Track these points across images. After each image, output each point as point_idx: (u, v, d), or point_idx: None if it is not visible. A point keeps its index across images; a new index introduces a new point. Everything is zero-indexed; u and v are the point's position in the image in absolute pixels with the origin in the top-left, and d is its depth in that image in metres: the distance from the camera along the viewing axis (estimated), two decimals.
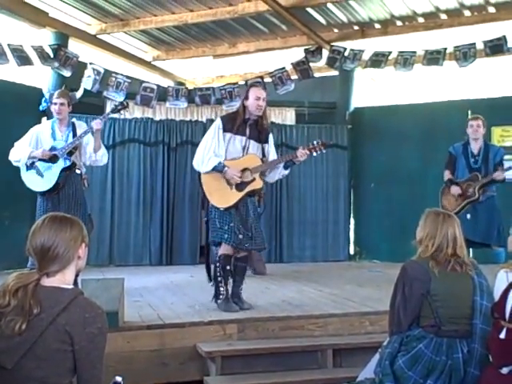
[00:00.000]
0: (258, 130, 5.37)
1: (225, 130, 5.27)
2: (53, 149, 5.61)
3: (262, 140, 5.40)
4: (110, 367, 3.46)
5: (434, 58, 8.44)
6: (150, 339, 4.48)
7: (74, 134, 5.73)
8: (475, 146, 6.68)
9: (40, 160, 5.57)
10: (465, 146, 6.77)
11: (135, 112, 9.24)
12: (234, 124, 5.28)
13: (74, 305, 2.26)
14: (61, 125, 5.78)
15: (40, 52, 7.93)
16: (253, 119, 5.31)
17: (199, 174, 5.35)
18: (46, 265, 2.32)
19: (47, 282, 2.32)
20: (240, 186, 5.21)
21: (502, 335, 2.93)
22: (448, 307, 3.25)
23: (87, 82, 8.27)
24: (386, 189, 9.57)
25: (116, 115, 9.02)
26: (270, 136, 5.54)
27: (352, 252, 9.97)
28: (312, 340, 4.73)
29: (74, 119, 6.02)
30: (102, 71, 8.36)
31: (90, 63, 8.42)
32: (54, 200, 5.57)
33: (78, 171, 5.72)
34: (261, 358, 4.48)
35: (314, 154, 5.38)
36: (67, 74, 8.20)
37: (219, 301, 5.20)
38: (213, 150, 5.21)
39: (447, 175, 6.84)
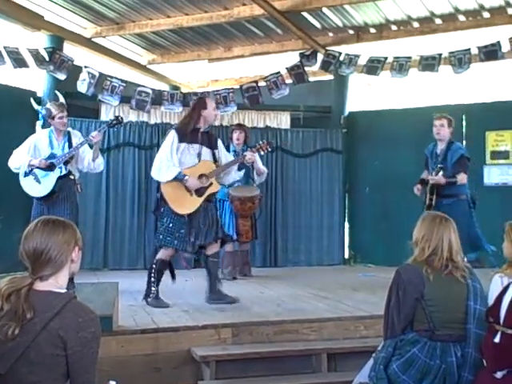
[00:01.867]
0: (209, 137, 5.78)
1: (180, 141, 5.56)
2: (52, 155, 5.93)
3: (213, 146, 5.77)
4: (103, 371, 3.44)
5: (429, 64, 8.45)
6: (144, 343, 4.47)
7: (70, 143, 6.05)
8: (440, 147, 6.60)
9: (38, 168, 5.86)
10: (435, 146, 6.70)
11: (130, 115, 9.22)
12: (187, 133, 5.60)
13: (67, 309, 2.25)
14: (58, 134, 6.08)
15: (35, 55, 7.92)
16: (206, 128, 5.75)
17: (158, 183, 5.65)
18: (38, 269, 2.31)
19: (40, 286, 2.31)
20: (199, 191, 5.54)
21: (497, 339, 2.93)
22: (442, 311, 3.24)
23: (82, 86, 8.27)
24: (381, 193, 9.57)
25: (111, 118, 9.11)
26: (219, 141, 5.94)
27: (347, 256, 9.96)
28: (306, 344, 4.72)
29: (69, 128, 6.33)
30: (97, 75, 8.35)
31: (85, 66, 8.41)
32: (48, 204, 5.89)
33: (71, 177, 6.02)
34: (255, 363, 4.47)
35: (262, 153, 6.02)
36: (62, 77, 8.19)
37: (149, 299, 5.49)
38: (171, 160, 5.49)
39: (423, 175, 6.74)
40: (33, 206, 6.03)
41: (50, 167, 5.84)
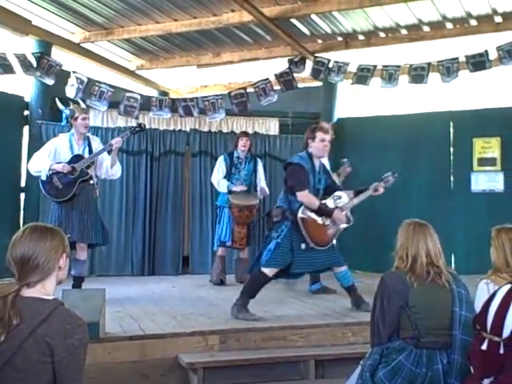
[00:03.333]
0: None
1: None
2: (76, 156, 6.05)
3: None
4: (90, 379, 3.43)
5: (419, 74, 8.45)
6: (131, 350, 4.45)
7: (90, 147, 6.21)
8: (317, 163, 5.68)
9: (59, 173, 5.96)
10: (311, 159, 5.62)
11: (118, 121, 9.21)
12: None
13: (54, 316, 2.24)
14: (78, 138, 6.21)
15: (22, 60, 7.86)
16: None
17: None
18: (25, 275, 2.29)
19: (27, 292, 2.29)
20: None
21: (484, 347, 2.93)
22: (427, 319, 3.24)
23: (70, 91, 8.23)
24: (369, 199, 9.51)
25: (99, 124, 9.10)
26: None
27: None
28: (294, 351, 4.72)
29: (88, 133, 6.46)
30: (86, 80, 8.31)
31: (74, 72, 8.37)
32: (67, 207, 6.01)
33: (91, 182, 6.14)
34: (243, 370, 4.47)
35: None
36: (50, 82, 8.15)
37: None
38: None
39: (314, 200, 5.46)
40: (51, 209, 6.15)
41: (71, 172, 5.95)
